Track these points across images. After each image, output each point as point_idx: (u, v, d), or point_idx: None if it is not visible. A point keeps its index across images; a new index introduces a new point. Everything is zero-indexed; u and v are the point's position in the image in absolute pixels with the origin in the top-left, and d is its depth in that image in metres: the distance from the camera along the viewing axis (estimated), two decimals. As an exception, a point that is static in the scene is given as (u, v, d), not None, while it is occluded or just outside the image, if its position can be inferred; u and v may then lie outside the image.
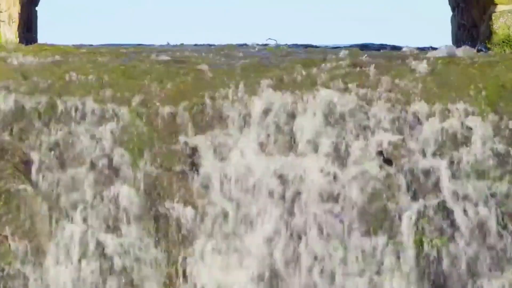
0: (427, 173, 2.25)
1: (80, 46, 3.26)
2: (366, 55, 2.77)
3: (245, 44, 3.29)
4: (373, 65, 2.51)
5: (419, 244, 2.18)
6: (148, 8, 11.76)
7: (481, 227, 2.17)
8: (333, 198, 2.26)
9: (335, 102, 2.35)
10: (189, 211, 2.21)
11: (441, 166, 2.24)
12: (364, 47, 3.34)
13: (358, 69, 2.52)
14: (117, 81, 2.50)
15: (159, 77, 2.50)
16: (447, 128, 2.27)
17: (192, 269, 1.95)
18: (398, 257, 2.13)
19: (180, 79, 2.49)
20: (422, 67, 2.49)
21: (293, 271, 2.00)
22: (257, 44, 3.29)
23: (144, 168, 2.30)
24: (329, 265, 2.04)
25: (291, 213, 2.33)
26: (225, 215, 2.23)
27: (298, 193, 2.32)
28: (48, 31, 4.35)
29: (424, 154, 2.25)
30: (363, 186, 2.28)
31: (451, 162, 2.25)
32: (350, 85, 2.40)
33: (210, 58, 2.73)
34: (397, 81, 2.41)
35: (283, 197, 2.35)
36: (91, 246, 1.92)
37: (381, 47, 3.52)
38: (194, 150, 2.31)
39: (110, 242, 1.91)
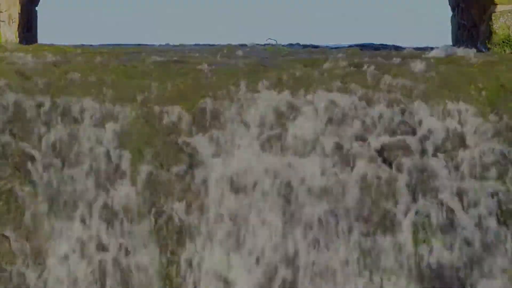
0: (427, 173, 2.25)
1: (80, 46, 3.26)
2: (366, 55, 2.77)
3: (245, 44, 3.30)
4: (373, 65, 2.52)
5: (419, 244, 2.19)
6: (148, 8, 11.75)
7: (481, 227, 2.17)
8: (333, 198, 2.26)
9: (334, 102, 2.35)
10: (189, 211, 2.21)
11: (441, 166, 2.25)
12: (364, 47, 3.34)
13: (358, 69, 2.53)
14: (117, 81, 2.50)
15: (159, 77, 2.50)
16: (447, 128, 2.27)
17: (192, 269, 1.94)
18: (398, 257, 2.14)
19: (180, 79, 2.50)
20: (422, 67, 2.49)
21: (293, 271, 2.00)
22: (257, 44, 3.30)
23: (144, 168, 2.31)
24: (329, 265, 2.04)
25: (291, 213, 2.33)
26: (225, 215, 2.23)
27: (298, 193, 2.33)
28: (48, 31, 4.36)
29: (424, 154, 2.26)
30: (363, 186, 2.29)
31: (451, 162, 2.25)
32: (349, 85, 2.41)
33: (210, 58, 2.73)
34: (397, 81, 2.42)
35: (283, 196, 2.35)
36: (91, 246, 1.92)
37: (381, 47, 3.52)
38: (194, 150, 2.31)
39: (110, 242, 1.91)
